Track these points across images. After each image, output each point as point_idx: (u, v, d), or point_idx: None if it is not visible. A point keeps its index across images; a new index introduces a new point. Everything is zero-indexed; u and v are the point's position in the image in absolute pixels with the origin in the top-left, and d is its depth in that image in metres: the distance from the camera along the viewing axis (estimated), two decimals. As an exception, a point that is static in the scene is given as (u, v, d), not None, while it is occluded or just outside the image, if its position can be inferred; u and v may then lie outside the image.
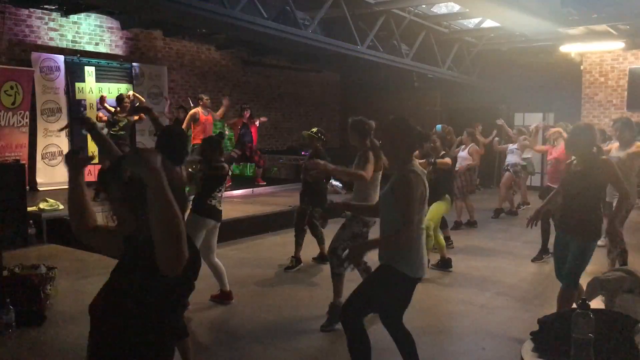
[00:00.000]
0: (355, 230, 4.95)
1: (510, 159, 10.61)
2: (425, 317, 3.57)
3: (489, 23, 12.11)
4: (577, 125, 4.45)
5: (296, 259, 6.81)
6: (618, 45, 12.15)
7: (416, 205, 3.21)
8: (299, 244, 6.81)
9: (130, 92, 10.27)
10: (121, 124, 9.23)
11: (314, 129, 6.58)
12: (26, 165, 8.01)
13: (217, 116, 11.00)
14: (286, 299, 5.84)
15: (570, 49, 12.73)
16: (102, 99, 9.79)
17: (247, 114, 11.86)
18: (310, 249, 7.02)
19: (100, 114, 9.71)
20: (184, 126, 10.21)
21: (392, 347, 3.55)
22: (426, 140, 3.48)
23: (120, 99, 9.50)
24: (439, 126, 8.36)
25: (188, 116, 10.49)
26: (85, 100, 11.07)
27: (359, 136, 4.95)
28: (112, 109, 9.38)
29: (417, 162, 3.39)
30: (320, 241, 6.94)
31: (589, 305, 2.34)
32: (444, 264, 6.74)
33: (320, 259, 6.95)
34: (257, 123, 11.98)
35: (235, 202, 10.24)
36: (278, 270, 6.82)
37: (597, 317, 2.33)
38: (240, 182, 11.88)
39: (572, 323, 2.30)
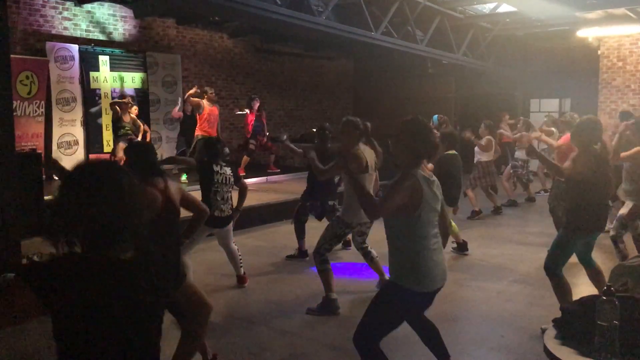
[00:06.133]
0: (337, 232, 5.06)
1: (516, 154, 10.56)
2: (442, 304, 3.57)
3: (504, 8, 11.93)
4: (583, 120, 4.44)
5: (300, 251, 6.85)
6: (637, 29, 11.91)
7: (396, 197, 2.96)
8: (299, 237, 6.84)
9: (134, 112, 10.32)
10: (127, 128, 9.70)
11: (314, 130, 6.57)
12: (42, 155, 8.07)
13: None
14: (301, 286, 5.84)
15: (587, 34, 12.50)
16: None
17: (256, 104, 11.81)
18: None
19: (117, 107, 9.84)
20: (191, 102, 10.56)
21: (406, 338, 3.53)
22: (435, 152, 3.24)
23: (123, 97, 10.02)
24: (435, 117, 8.32)
25: (195, 100, 10.58)
26: (100, 89, 11.11)
27: (351, 136, 4.99)
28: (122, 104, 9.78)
29: (427, 172, 3.13)
30: (300, 236, 6.87)
31: (614, 292, 2.31)
32: (461, 248, 6.93)
33: (299, 254, 6.86)
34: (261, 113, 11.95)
35: (250, 190, 10.17)
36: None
37: (623, 303, 2.30)
38: (254, 170, 11.88)
39: (597, 310, 2.27)
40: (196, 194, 5.22)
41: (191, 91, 10.62)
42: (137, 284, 1.73)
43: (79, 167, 1.79)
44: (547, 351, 2.48)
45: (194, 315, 1.99)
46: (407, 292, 3.05)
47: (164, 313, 1.89)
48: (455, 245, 6.91)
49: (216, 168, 5.39)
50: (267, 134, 12.22)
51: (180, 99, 11.46)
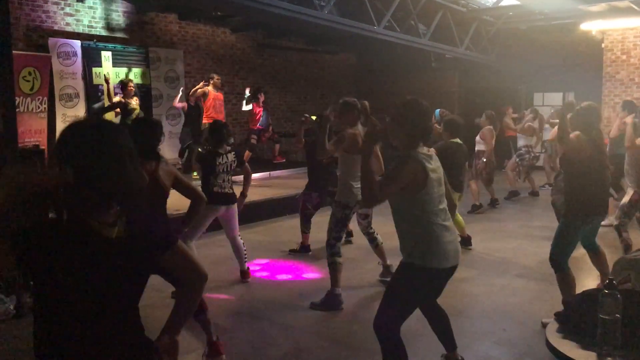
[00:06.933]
0: (338, 216, 5.01)
1: (519, 142, 10.50)
2: (445, 298, 3.58)
3: (507, 1, 11.92)
4: (583, 106, 4.47)
5: (303, 246, 6.85)
6: (640, 21, 11.86)
7: (397, 182, 2.95)
8: (304, 231, 6.84)
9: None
10: (135, 114, 9.59)
11: (314, 116, 6.56)
12: (45, 151, 8.08)
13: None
14: (305, 281, 5.86)
15: (591, 27, 12.44)
16: (106, 81, 10.04)
17: (262, 97, 11.83)
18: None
19: (118, 98, 9.83)
20: (195, 95, 10.58)
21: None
22: (428, 137, 3.18)
23: (124, 83, 9.87)
24: (437, 111, 8.28)
25: (199, 91, 10.60)
26: (102, 85, 11.10)
27: (349, 118, 5.06)
28: (118, 97, 9.75)
29: (424, 149, 3.10)
30: (304, 230, 6.85)
31: (616, 285, 2.30)
32: (465, 242, 6.87)
33: (302, 249, 6.87)
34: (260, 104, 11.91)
35: (252, 185, 10.20)
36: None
37: (625, 297, 2.29)
38: (258, 165, 11.88)
39: (599, 303, 2.27)
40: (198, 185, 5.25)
41: (199, 85, 10.68)
42: (122, 253, 1.71)
43: (68, 129, 1.74)
44: (549, 345, 2.48)
45: (188, 280, 2.00)
46: (423, 270, 3.03)
47: (147, 281, 1.87)
48: (459, 239, 6.89)
49: (219, 159, 5.37)
50: (271, 125, 12.25)
51: (181, 89, 11.45)
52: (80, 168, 1.65)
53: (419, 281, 3.09)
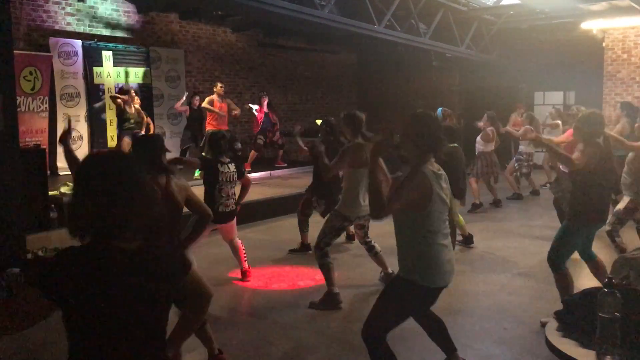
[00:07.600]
0: (336, 225, 5.06)
1: (520, 147, 10.46)
2: (445, 296, 3.59)
3: (508, 0, 11.89)
4: (585, 114, 4.46)
5: (303, 245, 6.86)
6: (642, 20, 11.85)
7: (404, 197, 2.97)
8: (303, 230, 6.87)
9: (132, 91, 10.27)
10: (132, 121, 9.68)
11: (319, 120, 6.55)
12: (47, 150, 8.08)
13: (233, 113, 11.00)
14: (305, 280, 5.86)
15: (591, 26, 12.44)
16: (124, 92, 10.19)
17: (265, 100, 11.86)
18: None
19: (120, 100, 9.86)
20: (202, 104, 10.75)
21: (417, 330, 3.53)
22: (440, 147, 3.17)
23: (124, 92, 9.98)
24: (439, 110, 8.30)
25: (205, 101, 10.66)
26: (103, 84, 11.12)
27: (352, 130, 5.07)
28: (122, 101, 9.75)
29: (435, 167, 3.09)
30: (303, 229, 6.88)
31: (616, 284, 2.31)
32: (466, 241, 6.96)
33: (302, 248, 6.88)
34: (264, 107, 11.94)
35: (253, 184, 10.15)
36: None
37: (625, 295, 2.30)
38: (259, 165, 11.89)
39: (599, 302, 2.27)
40: (200, 188, 5.26)
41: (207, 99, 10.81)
42: (147, 272, 1.78)
43: (88, 160, 1.86)
44: (549, 343, 2.48)
45: (195, 301, 2.04)
46: (417, 287, 3.04)
47: (171, 305, 1.93)
48: (460, 238, 6.92)
49: (221, 168, 5.38)
50: (277, 130, 12.27)
51: (185, 94, 11.53)
52: (97, 195, 1.74)
53: (415, 297, 3.13)
